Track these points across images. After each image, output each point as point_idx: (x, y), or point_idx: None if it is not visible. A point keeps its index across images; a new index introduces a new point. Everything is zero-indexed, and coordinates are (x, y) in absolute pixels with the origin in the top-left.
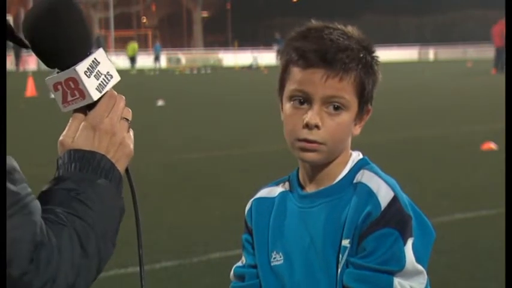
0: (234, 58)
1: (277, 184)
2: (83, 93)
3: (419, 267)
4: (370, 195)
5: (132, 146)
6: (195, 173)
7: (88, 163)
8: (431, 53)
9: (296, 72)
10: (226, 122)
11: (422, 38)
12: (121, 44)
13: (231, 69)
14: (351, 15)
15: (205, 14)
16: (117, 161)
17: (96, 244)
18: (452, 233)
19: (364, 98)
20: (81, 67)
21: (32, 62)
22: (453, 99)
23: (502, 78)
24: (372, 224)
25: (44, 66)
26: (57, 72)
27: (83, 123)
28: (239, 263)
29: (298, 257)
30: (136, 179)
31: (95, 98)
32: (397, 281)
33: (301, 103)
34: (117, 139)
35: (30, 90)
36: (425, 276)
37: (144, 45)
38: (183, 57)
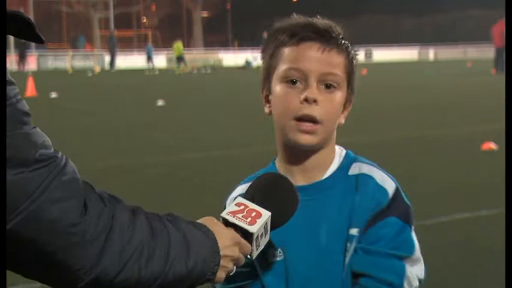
0: (234, 58)
1: (248, 181)
2: (253, 222)
3: (420, 255)
4: (377, 186)
5: (224, 275)
6: (195, 173)
7: (207, 237)
8: (431, 53)
9: (288, 52)
10: (226, 122)
11: (422, 38)
12: (121, 44)
13: (231, 69)
14: (351, 15)
15: (205, 14)
16: (218, 268)
17: (164, 251)
18: (452, 233)
19: (352, 80)
20: (268, 215)
21: (32, 62)
22: (453, 99)
23: (502, 78)
24: (379, 212)
25: (44, 66)
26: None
27: (235, 239)
28: None
29: (300, 250)
30: (136, 179)
31: (253, 231)
32: (407, 267)
33: (295, 82)
34: (232, 262)
35: (30, 90)
36: (422, 263)
37: (144, 46)
38: (183, 57)
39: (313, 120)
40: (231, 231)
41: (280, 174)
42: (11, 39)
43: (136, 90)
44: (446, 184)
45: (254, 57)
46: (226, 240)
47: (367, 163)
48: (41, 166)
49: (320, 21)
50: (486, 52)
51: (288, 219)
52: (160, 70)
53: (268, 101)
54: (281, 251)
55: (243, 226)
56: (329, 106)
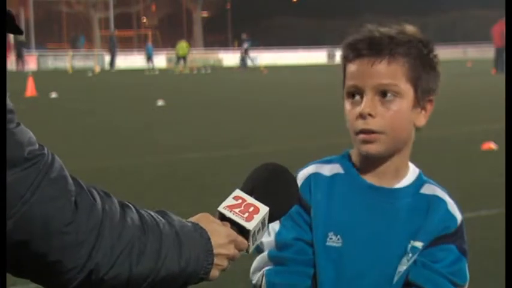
0: (234, 58)
1: (323, 163)
2: (250, 218)
3: None
4: (448, 211)
5: (218, 274)
6: (195, 173)
7: (201, 236)
8: None
9: (349, 68)
10: (226, 122)
11: None
12: (121, 44)
13: (231, 69)
14: (351, 15)
15: (205, 14)
16: (212, 267)
17: (158, 243)
18: None
19: (420, 86)
20: (266, 210)
21: (32, 62)
22: (453, 99)
23: (502, 78)
24: (444, 236)
25: (44, 66)
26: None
27: (231, 236)
28: (277, 231)
29: (360, 244)
30: (136, 179)
31: (250, 228)
32: None
33: (355, 97)
34: (227, 260)
35: (30, 90)
36: None
37: (144, 46)
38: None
39: (371, 132)
40: (226, 228)
41: (280, 166)
42: (10, 39)
43: (136, 90)
44: (446, 184)
45: (254, 57)
46: (220, 238)
47: (440, 187)
48: (30, 165)
49: (379, 31)
50: (486, 52)
51: (286, 212)
52: (160, 70)
53: None
54: (340, 238)
55: (239, 222)
56: (388, 116)
